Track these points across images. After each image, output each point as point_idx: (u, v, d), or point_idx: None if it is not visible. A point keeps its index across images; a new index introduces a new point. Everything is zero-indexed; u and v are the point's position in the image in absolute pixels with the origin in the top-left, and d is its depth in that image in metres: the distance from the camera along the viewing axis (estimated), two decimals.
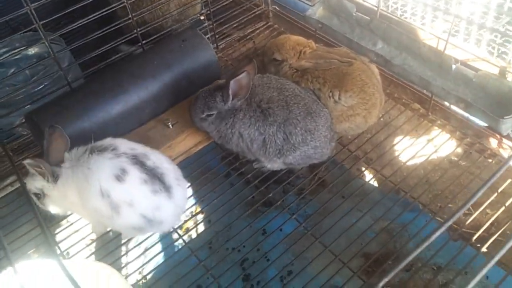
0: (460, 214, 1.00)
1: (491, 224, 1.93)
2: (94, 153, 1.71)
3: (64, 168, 1.74)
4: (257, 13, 2.98)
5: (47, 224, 2.07)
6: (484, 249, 1.83)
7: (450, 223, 0.99)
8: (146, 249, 2.07)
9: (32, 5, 1.92)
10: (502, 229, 1.89)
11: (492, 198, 1.98)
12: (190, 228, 2.28)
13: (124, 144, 1.78)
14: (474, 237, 1.89)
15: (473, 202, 1.05)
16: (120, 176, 1.68)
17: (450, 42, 2.00)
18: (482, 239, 1.87)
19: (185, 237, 2.13)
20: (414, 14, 2.95)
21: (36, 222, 1.32)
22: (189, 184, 2.07)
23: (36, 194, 1.80)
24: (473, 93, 1.97)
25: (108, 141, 1.78)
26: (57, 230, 2.13)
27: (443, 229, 0.95)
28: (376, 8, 2.23)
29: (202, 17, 2.78)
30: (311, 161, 2.10)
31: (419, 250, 0.95)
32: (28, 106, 2.23)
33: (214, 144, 2.24)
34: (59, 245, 2.01)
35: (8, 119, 2.30)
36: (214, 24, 2.74)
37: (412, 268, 2.03)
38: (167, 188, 1.76)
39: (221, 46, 2.85)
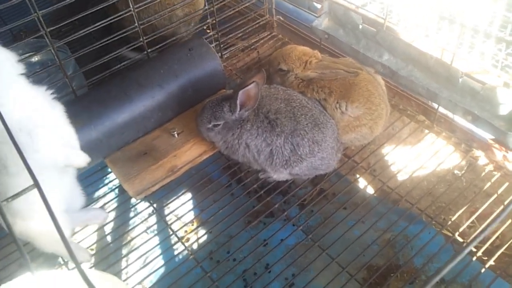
0: (483, 236, 0.98)
1: (496, 237, 1.93)
2: None
3: None
4: (261, 23, 2.98)
5: None
6: (491, 262, 1.83)
7: (471, 246, 0.98)
8: (146, 260, 2.04)
9: (40, 12, 1.90)
10: (509, 242, 1.90)
11: (498, 211, 1.98)
12: (192, 239, 2.26)
13: None
14: (481, 251, 1.88)
15: (494, 225, 1.03)
16: None
17: (455, 54, 2.00)
18: (488, 253, 1.87)
19: (189, 248, 2.10)
20: (417, 25, 2.95)
21: None
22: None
23: None
24: (480, 105, 1.96)
25: None
26: None
27: (466, 251, 0.94)
28: (382, 20, 2.23)
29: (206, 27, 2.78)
30: (317, 172, 2.10)
31: (443, 273, 0.94)
32: None
33: (217, 155, 2.22)
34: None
35: None
36: (219, 34, 2.73)
37: (415, 281, 2.01)
38: None
39: (225, 56, 2.85)
